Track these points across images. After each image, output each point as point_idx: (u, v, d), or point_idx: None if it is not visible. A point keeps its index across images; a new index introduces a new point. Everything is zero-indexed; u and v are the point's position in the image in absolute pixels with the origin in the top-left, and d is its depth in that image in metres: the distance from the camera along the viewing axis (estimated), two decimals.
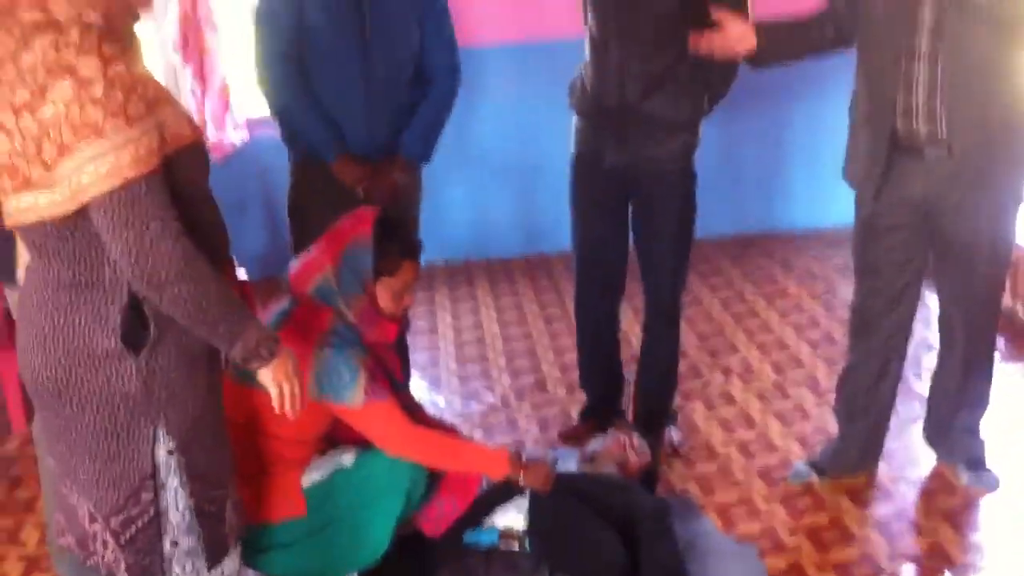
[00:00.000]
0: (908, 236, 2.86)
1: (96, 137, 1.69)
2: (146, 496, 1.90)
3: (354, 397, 2.46)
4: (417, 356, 4.05)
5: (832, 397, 3.27)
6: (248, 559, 2.52)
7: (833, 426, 3.26)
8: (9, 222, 1.82)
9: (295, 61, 3.07)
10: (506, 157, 5.04)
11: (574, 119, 3.18)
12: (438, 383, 4.00)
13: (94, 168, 1.69)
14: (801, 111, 5.09)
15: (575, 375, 3.62)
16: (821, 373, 3.83)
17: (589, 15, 3.06)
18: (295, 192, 3.28)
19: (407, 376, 3.46)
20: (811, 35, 2.88)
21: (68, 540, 2.02)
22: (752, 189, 5.28)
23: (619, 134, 3.04)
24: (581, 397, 3.55)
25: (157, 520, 1.92)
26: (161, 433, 1.89)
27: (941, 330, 3.08)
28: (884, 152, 2.76)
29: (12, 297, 2.41)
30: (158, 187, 1.76)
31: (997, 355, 3.08)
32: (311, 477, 2.57)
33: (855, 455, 3.14)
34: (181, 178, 1.85)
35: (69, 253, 1.81)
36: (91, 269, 1.82)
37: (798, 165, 5.22)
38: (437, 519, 2.68)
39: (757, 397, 3.72)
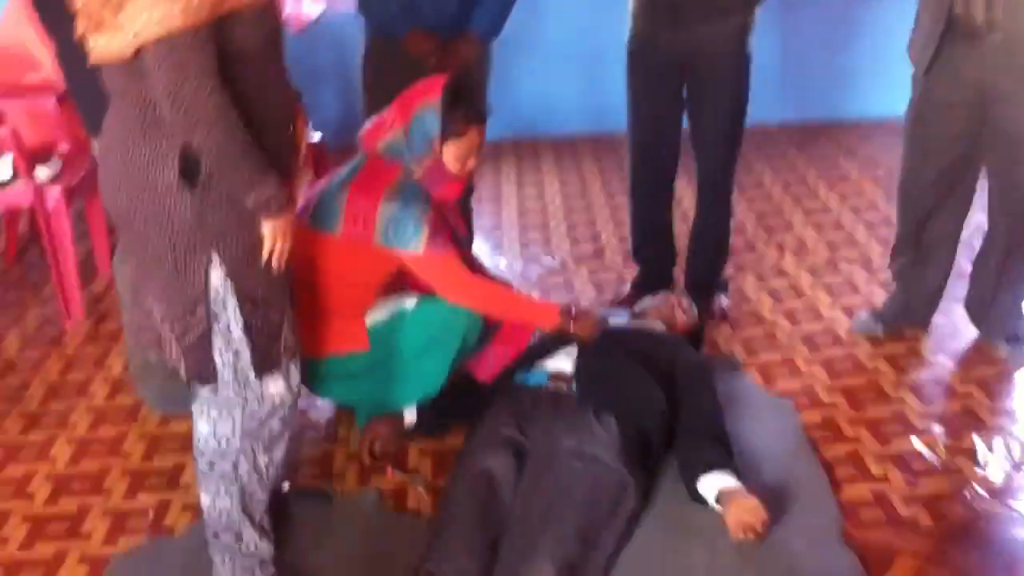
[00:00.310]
0: (961, 115, 2.89)
1: None
2: (201, 310, 2.11)
3: (417, 245, 2.61)
4: (481, 222, 4.18)
5: (883, 276, 3.34)
6: (311, 386, 2.75)
7: (882, 301, 3.37)
8: (92, 61, 2.00)
9: None
10: (574, 43, 5.07)
11: (630, 4, 3.21)
12: (500, 247, 4.15)
13: (148, 15, 1.86)
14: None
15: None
16: (875, 253, 3.89)
17: None
18: (368, 64, 3.39)
19: (470, 237, 3.61)
20: None
21: (147, 337, 2.27)
22: (819, 77, 5.24)
23: (673, 17, 3.08)
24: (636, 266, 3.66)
25: (210, 332, 2.13)
26: (216, 259, 2.08)
27: (988, 213, 3.12)
28: (939, 32, 2.79)
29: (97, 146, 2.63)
30: (205, 39, 1.90)
31: None
32: (375, 317, 2.74)
33: (914, 308, 3.27)
34: (242, 35, 1.98)
35: (134, 95, 1.99)
36: (153, 110, 1.98)
37: (864, 54, 5.15)
38: (490, 365, 2.84)
39: (809, 271, 3.80)
